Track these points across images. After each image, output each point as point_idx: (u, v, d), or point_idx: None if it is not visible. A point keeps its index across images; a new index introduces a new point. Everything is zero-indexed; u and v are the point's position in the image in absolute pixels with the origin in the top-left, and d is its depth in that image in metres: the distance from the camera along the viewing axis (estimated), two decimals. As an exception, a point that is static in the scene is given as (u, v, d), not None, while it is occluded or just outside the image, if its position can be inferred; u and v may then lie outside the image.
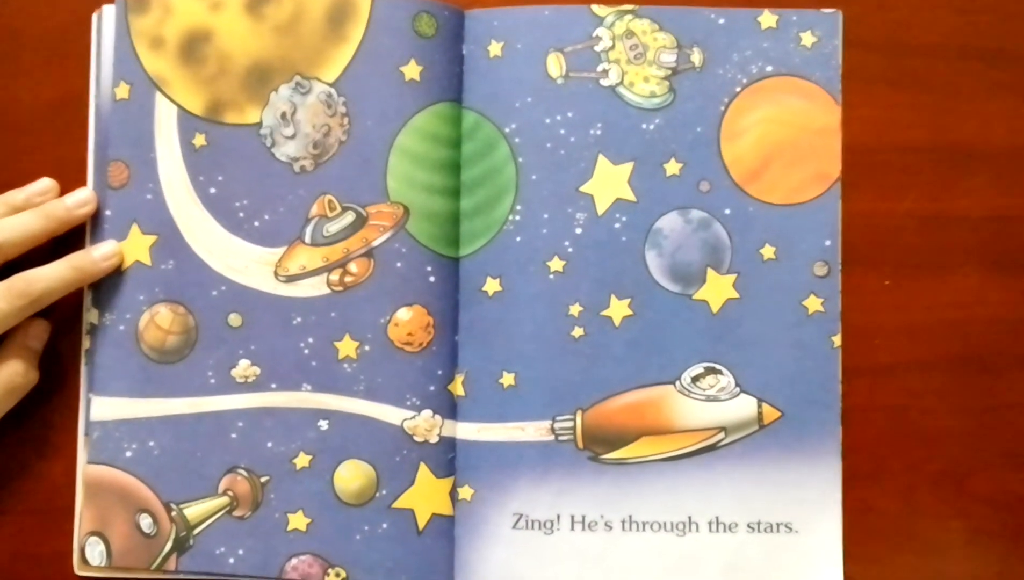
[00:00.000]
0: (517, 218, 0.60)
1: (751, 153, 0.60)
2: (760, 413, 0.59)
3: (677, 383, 0.60)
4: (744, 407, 0.60)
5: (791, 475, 0.59)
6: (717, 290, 0.60)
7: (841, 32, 0.60)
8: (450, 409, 0.60)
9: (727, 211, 0.60)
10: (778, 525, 0.59)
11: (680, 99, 0.60)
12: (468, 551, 0.59)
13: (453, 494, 0.60)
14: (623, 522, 0.59)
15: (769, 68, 0.60)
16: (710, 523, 0.59)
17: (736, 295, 0.60)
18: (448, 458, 0.60)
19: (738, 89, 0.60)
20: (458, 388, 0.60)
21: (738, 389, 0.60)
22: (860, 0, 0.61)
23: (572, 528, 0.59)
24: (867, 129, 0.61)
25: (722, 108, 0.60)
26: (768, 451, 0.59)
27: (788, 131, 0.60)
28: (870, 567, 0.59)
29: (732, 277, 0.60)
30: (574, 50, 0.60)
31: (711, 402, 0.60)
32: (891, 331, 0.60)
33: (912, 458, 0.60)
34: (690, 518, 0.59)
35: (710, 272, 0.60)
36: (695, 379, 0.60)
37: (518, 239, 0.60)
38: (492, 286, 0.60)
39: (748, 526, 0.59)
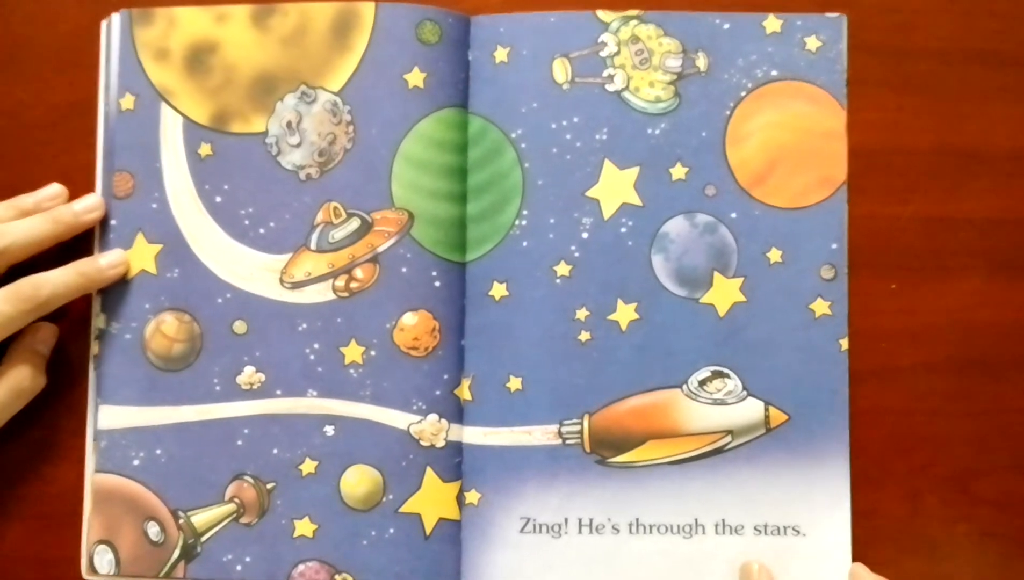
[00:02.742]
0: (523, 223, 0.60)
1: (757, 157, 0.60)
2: (767, 416, 0.59)
3: (684, 387, 0.59)
4: (751, 411, 0.59)
5: (798, 478, 0.59)
6: (723, 294, 0.60)
7: (845, 36, 0.60)
8: (456, 413, 0.60)
9: (733, 215, 0.60)
10: (785, 528, 0.59)
11: (685, 104, 0.60)
12: (475, 555, 0.59)
13: (460, 498, 0.60)
14: (630, 525, 0.59)
15: (774, 72, 0.60)
16: (716, 525, 0.59)
17: (743, 299, 0.60)
18: (455, 462, 0.60)
19: (743, 94, 0.60)
20: (465, 392, 0.60)
21: (745, 393, 0.59)
22: (864, 5, 0.61)
23: (579, 531, 0.59)
24: (871, 133, 0.61)
25: (727, 112, 0.60)
26: (775, 454, 0.59)
27: (793, 135, 0.60)
28: (876, 569, 0.58)
29: (739, 281, 0.60)
30: (580, 56, 0.61)
31: (718, 406, 0.59)
32: (896, 334, 0.60)
33: (918, 461, 0.60)
34: (696, 520, 0.59)
35: (716, 276, 0.60)
36: (702, 383, 0.59)
37: (524, 244, 0.60)
38: (499, 291, 0.60)
39: (755, 528, 0.59)
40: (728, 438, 0.59)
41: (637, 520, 0.59)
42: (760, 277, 0.60)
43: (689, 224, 0.60)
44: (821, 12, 0.61)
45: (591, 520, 0.59)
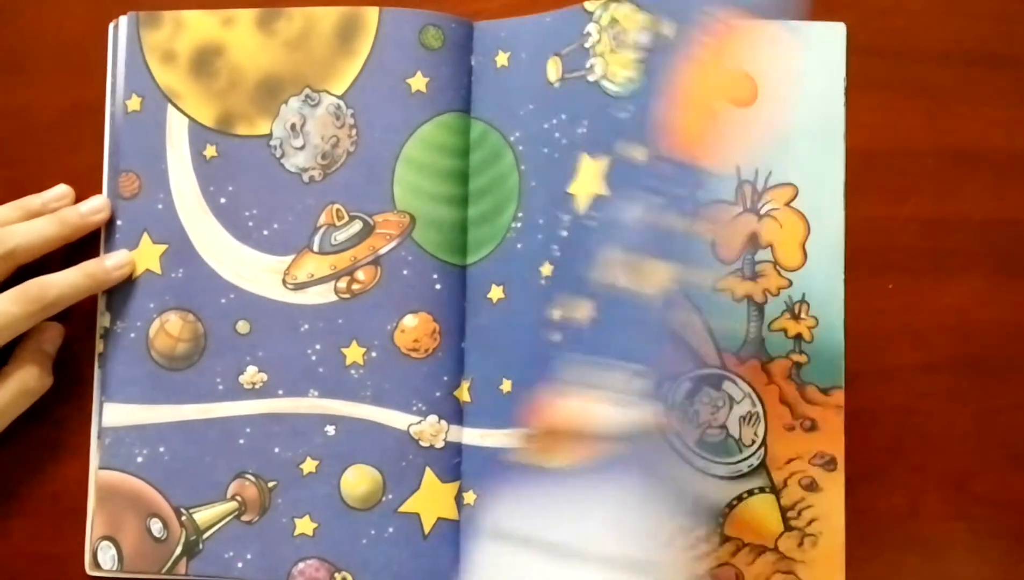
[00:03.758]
0: (518, 225, 0.60)
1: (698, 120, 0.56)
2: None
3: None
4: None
5: None
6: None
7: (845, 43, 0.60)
8: (456, 415, 0.60)
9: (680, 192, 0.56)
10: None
11: (650, 79, 0.57)
12: (473, 555, 0.59)
13: (458, 499, 0.60)
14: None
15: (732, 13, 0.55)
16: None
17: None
18: (453, 463, 0.60)
19: (698, 50, 0.56)
20: (464, 394, 0.60)
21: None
22: (863, 7, 0.61)
23: (574, 534, 0.59)
24: (870, 134, 0.60)
25: (682, 77, 0.56)
26: None
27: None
28: (872, 569, 0.59)
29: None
30: (569, 51, 0.60)
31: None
32: (894, 334, 0.60)
33: (915, 460, 0.60)
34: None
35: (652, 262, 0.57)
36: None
37: (519, 246, 0.60)
38: (496, 293, 0.60)
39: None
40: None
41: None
42: None
43: (645, 209, 0.56)
44: (823, 15, 0.60)
45: (585, 522, 0.59)
